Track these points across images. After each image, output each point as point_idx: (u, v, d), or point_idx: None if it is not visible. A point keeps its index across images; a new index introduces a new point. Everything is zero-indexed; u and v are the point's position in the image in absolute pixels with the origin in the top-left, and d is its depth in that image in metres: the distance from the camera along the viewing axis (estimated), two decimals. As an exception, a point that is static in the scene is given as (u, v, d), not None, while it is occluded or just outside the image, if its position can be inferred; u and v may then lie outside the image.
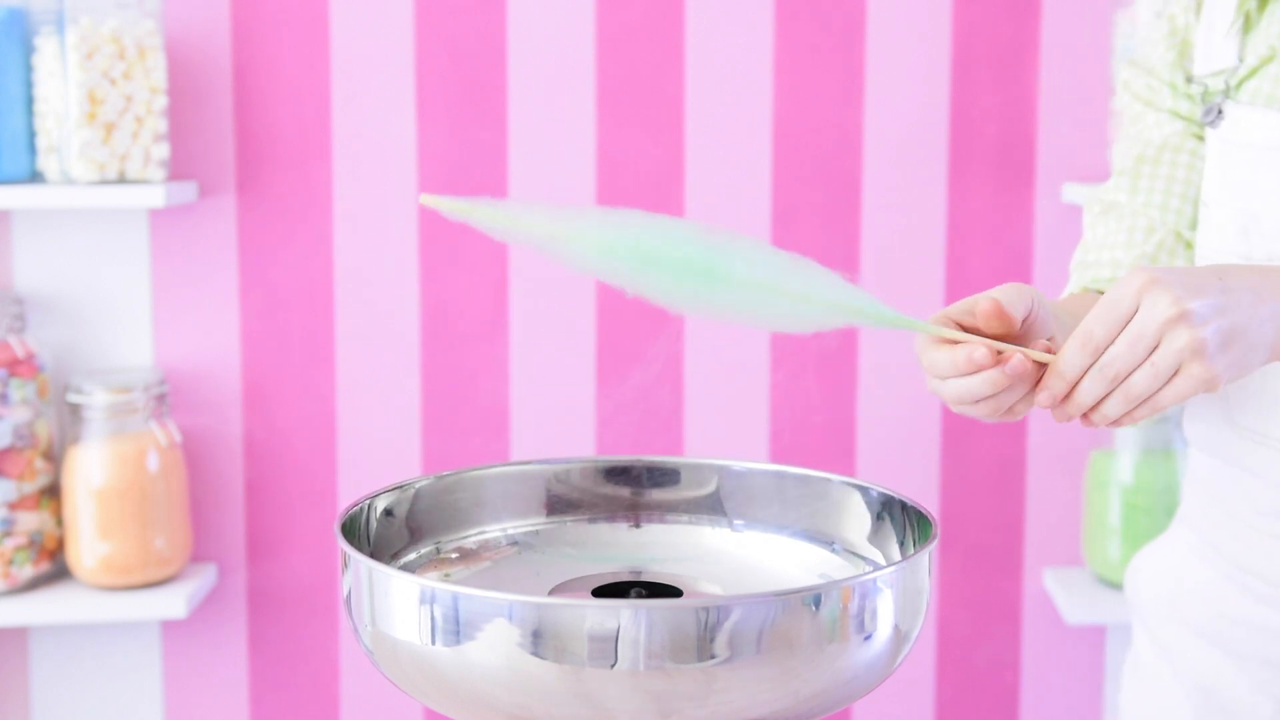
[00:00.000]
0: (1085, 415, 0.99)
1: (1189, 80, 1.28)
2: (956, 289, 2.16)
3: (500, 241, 0.94)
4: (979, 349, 0.98)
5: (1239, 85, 1.23)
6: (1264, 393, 1.19)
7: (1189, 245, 1.27)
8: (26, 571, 2.01)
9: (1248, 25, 1.23)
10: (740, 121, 2.13)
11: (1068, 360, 0.97)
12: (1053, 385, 0.98)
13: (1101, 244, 1.30)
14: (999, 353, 0.98)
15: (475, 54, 2.11)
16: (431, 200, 0.93)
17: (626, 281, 0.93)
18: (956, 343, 1.00)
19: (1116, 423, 0.98)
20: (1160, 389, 0.96)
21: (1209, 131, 1.25)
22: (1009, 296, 1.00)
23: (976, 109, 2.14)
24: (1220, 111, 1.23)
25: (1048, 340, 1.02)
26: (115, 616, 2.00)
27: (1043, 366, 0.99)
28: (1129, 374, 0.95)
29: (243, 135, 2.10)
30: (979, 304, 1.00)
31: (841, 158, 2.14)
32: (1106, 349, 0.96)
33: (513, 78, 2.11)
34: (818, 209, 2.15)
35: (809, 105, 2.14)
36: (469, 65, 2.11)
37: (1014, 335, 1.01)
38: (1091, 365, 0.96)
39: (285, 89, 2.10)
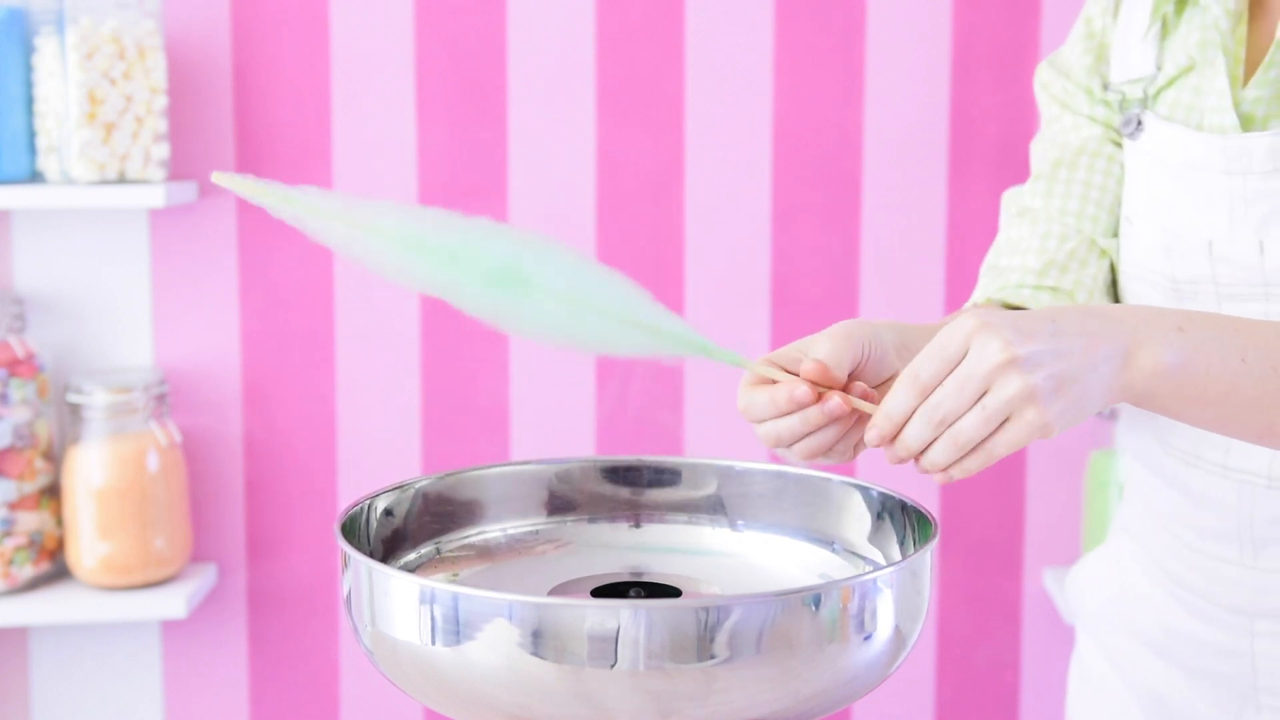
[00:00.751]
0: (916, 460, 0.95)
1: (1105, 87, 1.25)
2: (956, 289, 2.16)
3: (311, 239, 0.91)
4: (801, 387, 0.96)
5: (1157, 95, 1.20)
6: None
7: (1104, 253, 1.24)
8: (26, 571, 2.01)
9: (1165, 31, 1.21)
10: (740, 121, 2.13)
11: (894, 400, 0.93)
12: (880, 424, 0.94)
13: (1014, 248, 1.26)
14: (819, 393, 0.96)
15: (475, 54, 2.11)
16: (223, 179, 0.91)
17: (429, 285, 0.91)
18: (776, 383, 0.98)
19: (947, 473, 0.94)
20: (991, 435, 0.92)
21: (1128, 142, 1.22)
22: (840, 347, 0.97)
23: (976, 109, 2.14)
24: (1139, 123, 1.20)
25: (884, 383, 1.01)
26: (115, 616, 2.00)
27: (862, 412, 0.97)
28: (957, 418, 0.91)
29: (243, 135, 2.10)
30: (803, 363, 0.97)
31: (841, 158, 2.14)
32: (934, 390, 0.92)
33: (513, 78, 2.12)
34: (818, 209, 2.15)
35: (809, 105, 2.14)
36: (469, 65, 2.11)
37: (837, 387, 0.98)
38: (919, 406, 0.93)
39: (285, 89, 2.10)
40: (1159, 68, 1.20)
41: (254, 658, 2.19)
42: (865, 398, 0.98)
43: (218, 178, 0.92)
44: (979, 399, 0.91)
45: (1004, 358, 0.90)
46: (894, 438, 0.94)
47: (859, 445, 1.00)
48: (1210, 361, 0.96)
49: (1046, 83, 1.30)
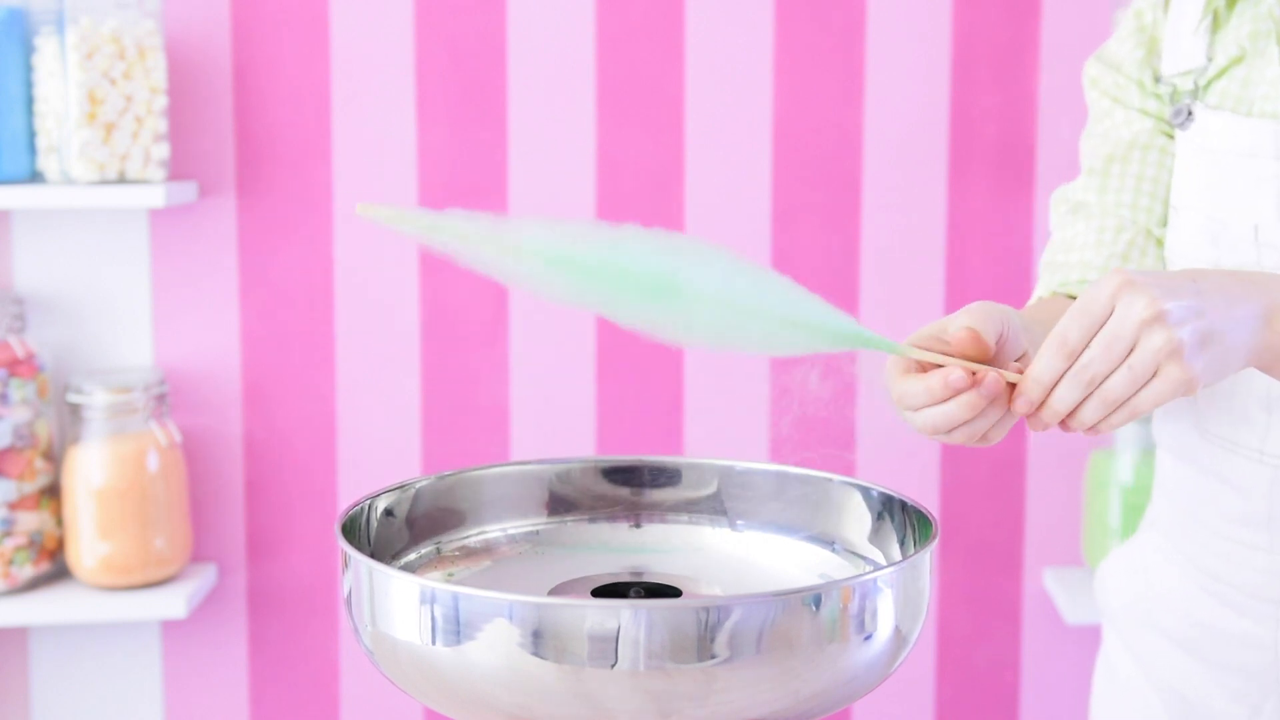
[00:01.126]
0: (1063, 422, 0.96)
1: (1157, 79, 1.26)
2: (956, 289, 2.16)
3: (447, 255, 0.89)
4: (955, 372, 0.95)
5: (1207, 86, 1.21)
6: (1234, 400, 1.18)
7: (1159, 243, 1.25)
8: (26, 571, 2.01)
9: (1216, 24, 1.22)
10: (740, 121, 2.13)
11: (1043, 365, 0.94)
12: (1029, 391, 0.95)
13: (1070, 245, 1.27)
14: (974, 374, 0.96)
15: (475, 54, 2.11)
16: (368, 210, 0.88)
17: (585, 301, 0.89)
18: (925, 370, 0.98)
19: (1094, 429, 0.95)
20: (1138, 392, 0.93)
21: (1178, 133, 1.24)
22: (981, 321, 0.97)
23: (976, 109, 2.14)
24: (1190, 113, 1.21)
25: (1017, 361, 1.00)
26: (115, 616, 2.00)
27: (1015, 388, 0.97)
28: (1105, 377, 0.93)
29: (243, 135, 2.10)
30: (952, 331, 0.97)
31: (841, 158, 2.14)
32: (1082, 352, 0.93)
33: (513, 78, 2.12)
34: (818, 209, 2.15)
35: (809, 105, 2.14)
36: (469, 65, 2.11)
37: (987, 358, 0.98)
38: (1067, 370, 0.94)
39: (285, 89, 2.10)
40: (1210, 59, 1.21)
41: (254, 658, 2.19)
42: (1019, 373, 0.98)
43: (363, 210, 0.89)
44: (1126, 357, 0.92)
45: (1150, 313, 0.91)
46: (1042, 403, 0.95)
47: (1010, 422, 1.00)
48: None
49: (1096, 78, 1.30)
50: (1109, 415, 0.94)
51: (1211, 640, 1.26)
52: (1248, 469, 1.19)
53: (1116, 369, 0.93)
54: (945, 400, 0.96)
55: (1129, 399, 0.93)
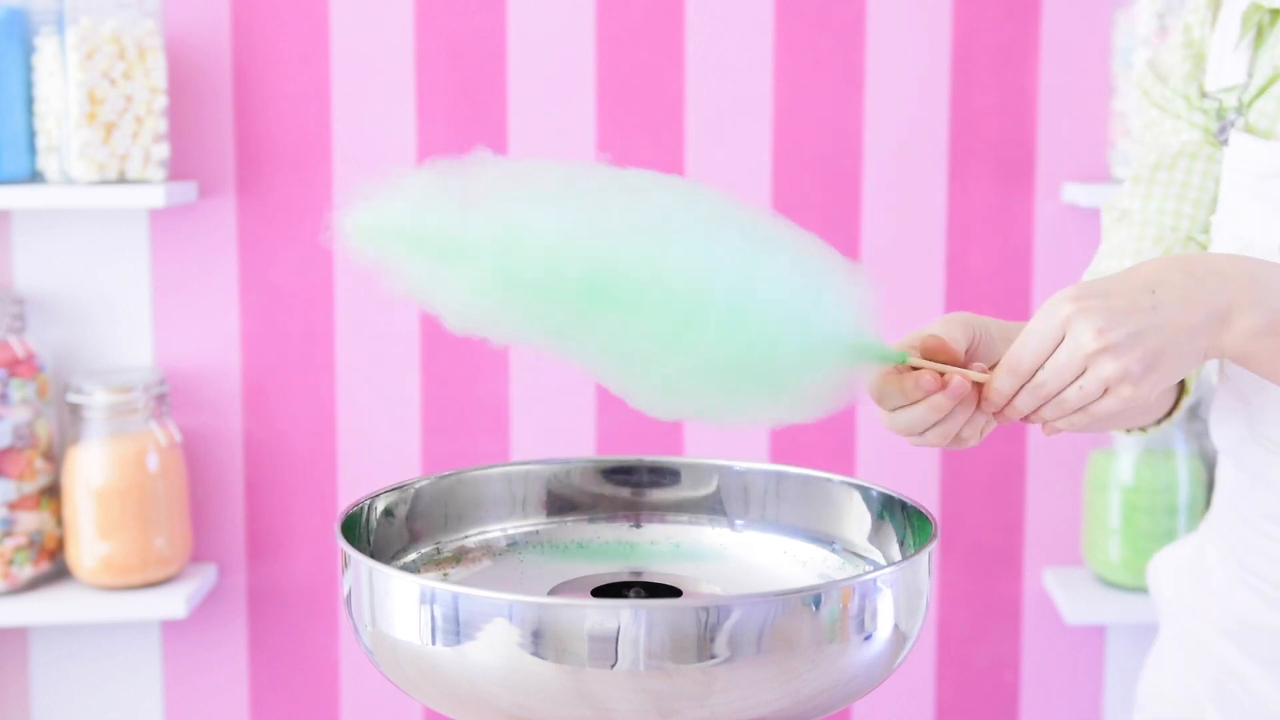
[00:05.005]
0: (1025, 419, 1.01)
1: (1203, 95, 1.27)
2: (956, 289, 2.16)
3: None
4: (924, 374, 0.99)
5: (1250, 103, 1.22)
6: None
7: (1203, 248, 1.26)
8: (26, 571, 2.01)
9: (1260, 39, 1.22)
10: (740, 122, 2.13)
11: (998, 386, 0.99)
12: (992, 399, 1.00)
13: (1113, 252, 1.29)
14: (941, 375, 1.00)
15: (475, 54, 2.11)
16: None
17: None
18: (903, 374, 1.01)
19: (1054, 427, 1.01)
20: (1089, 405, 0.98)
21: (1223, 149, 1.25)
22: (950, 330, 1.02)
23: (976, 109, 2.14)
24: (1228, 134, 1.23)
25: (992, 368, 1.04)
26: (115, 616, 2.00)
27: (981, 388, 1.02)
28: (1059, 392, 0.98)
29: (243, 135, 2.10)
30: (923, 340, 1.01)
31: (841, 158, 2.14)
32: (1035, 374, 0.98)
33: (513, 78, 2.12)
34: (818, 209, 2.15)
35: (809, 105, 2.14)
36: (469, 65, 2.11)
37: (957, 364, 1.03)
38: (1023, 387, 0.99)
39: (285, 89, 2.10)
40: (1250, 75, 1.22)
41: (254, 658, 2.19)
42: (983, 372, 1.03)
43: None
44: (1077, 378, 0.97)
45: (1097, 346, 0.95)
46: (1003, 408, 1.01)
47: (985, 429, 1.04)
48: None
49: (1148, 89, 1.32)
50: (1068, 416, 0.99)
51: (1258, 637, 1.27)
52: None
53: (1068, 386, 0.97)
54: (916, 402, 1.00)
55: (1083, 408, 0.98)
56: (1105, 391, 0.97)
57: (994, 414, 1.01)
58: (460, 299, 0.91)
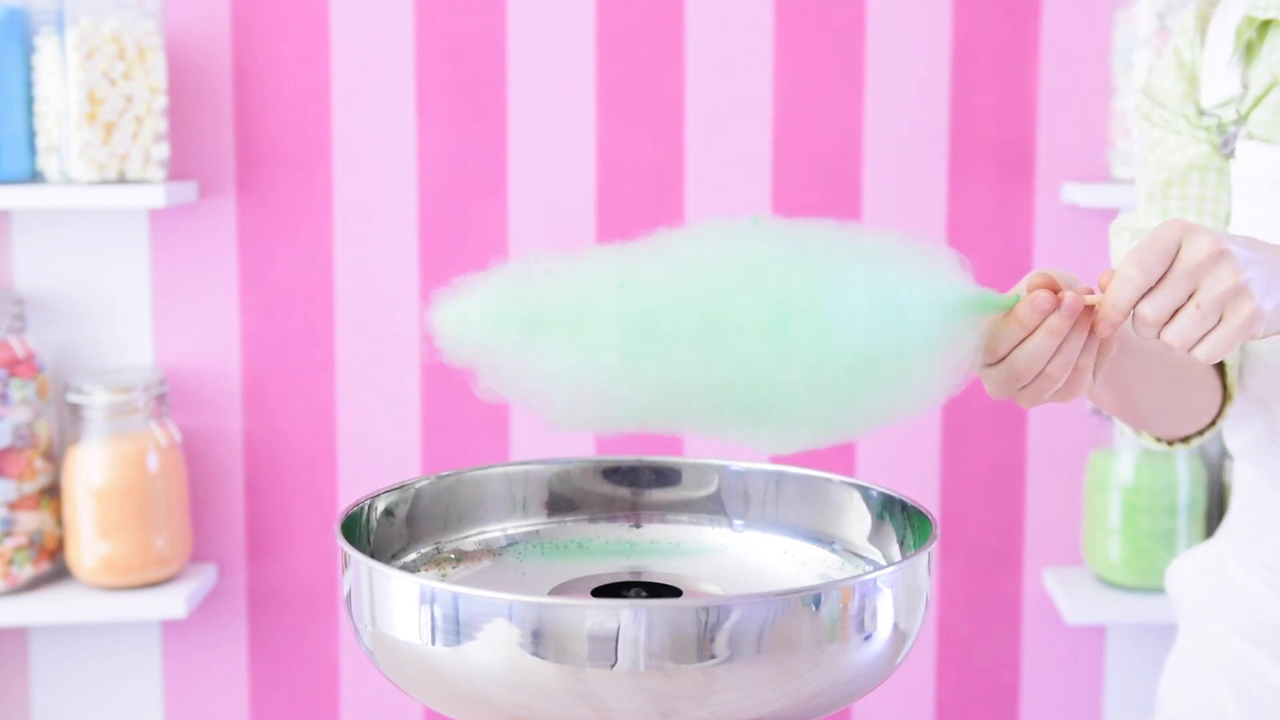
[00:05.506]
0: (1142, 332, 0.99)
1: (1201, 113, 1.28)
2: (956, 289, 2.16)
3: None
4: (1040, 294, 0.97)
5: (1247, 114, 1.23)
6: None
7: None
8: (26, 571, 2.01)
9: (1250, 53, 1.24)
10: (740, 122, 2.13)
11: (1126, 275, 0.97)
12: (1109, 315, 0.98)
13: None
14: (1055, 292, 0.98)
15: (475, 54, 2.11)
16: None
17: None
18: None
19: (1193, 347, 0.98)
20: (1229, 303, 0.96)
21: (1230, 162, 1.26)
22: (1049, 274, 1.00)
23: (976, 109, 2.14)
24: (1232, 145, 1.24)
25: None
26: (115, 616, 2.00)
27: (1092, 310, 1.00)
28: (1194, 290, 0.96)
29: (243, 135, 2.10)
30: (1029, 282, 1.00)
31: (841, 158, 2.14)
32: (1156, 281, 0.96)
33: (513, 78, 2.11)
34: (818, 209, 2.15)
35: (809, 105, 2.14)
36: (469, 65, 2.11)
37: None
38: (1141, 295, 0.97)
39: (285, 89, 2.10)
40: (1245, 87, 1.23)
41: (254, 658, 2.19)
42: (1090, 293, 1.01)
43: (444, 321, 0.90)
44: (1192, 294, 0.95)
45: (1215, 250, 0.95)
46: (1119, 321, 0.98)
47: (1098, 365, 1.02)
48: None
49: (1147, 113, 1.32)
50: (1202, 324, 0.96)
51: (1278, 637, 1.27)
52: None
53: (1185, 305, 0.96)
54: (1034, 330, 0.98)
55: (1205, 335, 0.96)
56: (1221, 318, 0.95)
57: (1108, 332, 0.98)
58: (574, 373, 0.90)
